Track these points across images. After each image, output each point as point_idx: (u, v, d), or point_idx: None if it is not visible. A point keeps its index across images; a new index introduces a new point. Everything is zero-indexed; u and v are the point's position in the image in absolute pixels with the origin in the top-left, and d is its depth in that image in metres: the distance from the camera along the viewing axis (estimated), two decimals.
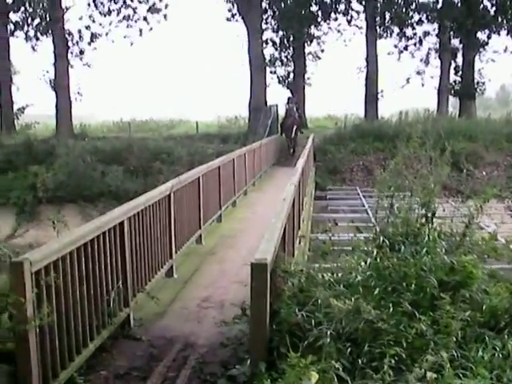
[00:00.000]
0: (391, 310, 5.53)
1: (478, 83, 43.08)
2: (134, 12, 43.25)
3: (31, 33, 43.39)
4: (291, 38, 45.29)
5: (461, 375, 4.82)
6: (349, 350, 5.20)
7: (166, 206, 9.76)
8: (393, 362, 4.80)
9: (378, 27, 43.09)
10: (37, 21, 43.18)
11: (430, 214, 7.55)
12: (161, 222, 9.39)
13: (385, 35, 44.42)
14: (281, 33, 45.81)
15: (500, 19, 41.43)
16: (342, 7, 44.09)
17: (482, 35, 42.27)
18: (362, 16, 43.46)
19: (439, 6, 42.89)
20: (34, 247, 5.79)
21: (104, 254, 6.80)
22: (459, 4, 42.19)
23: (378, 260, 6.42)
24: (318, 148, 31.17)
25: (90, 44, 43.11)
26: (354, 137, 34.32)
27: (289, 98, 34.66)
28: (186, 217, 11.37)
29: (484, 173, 30.51)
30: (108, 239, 6.92)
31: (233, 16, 45.46)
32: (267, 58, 43.95)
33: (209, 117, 56.95)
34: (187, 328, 7.80)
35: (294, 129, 32.55)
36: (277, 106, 39.51)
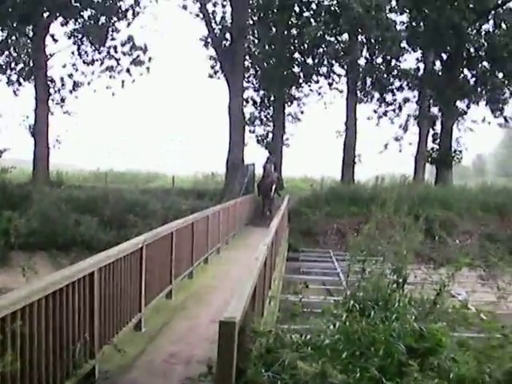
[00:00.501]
0: (358, 374, 5.50)
1: (455, 151, 43.30)
2: (118, 63, 43.39)
3: (14, 77, 43.35)
4: (272, 98, 45.50)
5: None
6: None
7: (138, 259, 9.70)
8: None
9: (358, 92, 43.49)
10: (20, 65, 43.20)
11: (401, 280, 7.57)
12: (131, 275, 9.32)
13: (365, 100, 44.85)
14: (262, 92, 46.08)
15: (479, 90, 42.06)
16: (323, 70, 44.42)
17: (461, 104, 42.80)
18: (344, 80, 43.86)
19: (420, 73, 43.57)
20: (3, 293, 5.72)
21: (72, 303, 6.73)
22: (440, 73, 42.88)
23: (348, 324, 6.40)
24: (292, 209, 31.08)
25: (71, 92, 43.10)
26: (329, 199, 34.23)
27: (267, 158, 34.61)
28: (157, 271, 11.30)
29: (457, 241, 30.54)
30: (77, 289, 6.86)
31: (215, 73, 45.66)
32: (247, 116, 44.02)
33: (186, 171, 56.78)
34: (153, 383, 7.71)
35: (274, 188, 32.35)
36: (254, 165, 39.46)
